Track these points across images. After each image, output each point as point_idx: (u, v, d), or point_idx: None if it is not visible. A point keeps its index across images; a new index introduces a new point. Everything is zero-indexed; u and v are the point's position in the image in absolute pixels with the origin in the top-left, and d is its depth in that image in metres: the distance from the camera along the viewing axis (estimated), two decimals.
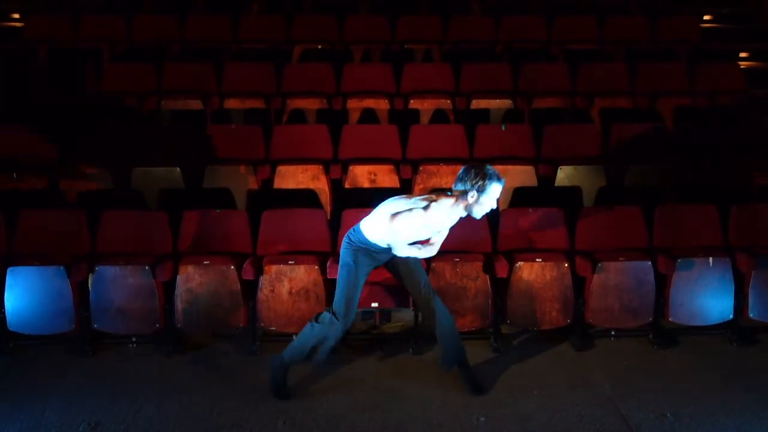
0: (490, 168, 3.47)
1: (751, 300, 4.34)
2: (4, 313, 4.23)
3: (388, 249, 3.66)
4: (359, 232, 3.68)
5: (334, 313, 3.68)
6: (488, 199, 3.47)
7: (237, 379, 3.99)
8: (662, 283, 4.36)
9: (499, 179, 3.47)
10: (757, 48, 7.94)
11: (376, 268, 3.79)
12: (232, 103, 6.32)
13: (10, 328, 4.25)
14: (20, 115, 6.08)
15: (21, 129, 5.74)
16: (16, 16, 8.13)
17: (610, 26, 7.58)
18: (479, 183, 3.42)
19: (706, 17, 8.46)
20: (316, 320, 3.74)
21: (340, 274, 3.71)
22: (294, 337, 3.88)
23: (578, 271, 4.36)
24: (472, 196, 3.45)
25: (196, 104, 6.24)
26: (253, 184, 5.27)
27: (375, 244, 3.64)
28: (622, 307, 4.34)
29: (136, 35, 7.39)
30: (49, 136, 5.73)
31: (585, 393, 3.83)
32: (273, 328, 4.33)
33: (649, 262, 4.34)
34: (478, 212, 3.52)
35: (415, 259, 3.78)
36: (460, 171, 3.50)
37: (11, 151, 5.49)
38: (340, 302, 3.67)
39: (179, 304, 4.30)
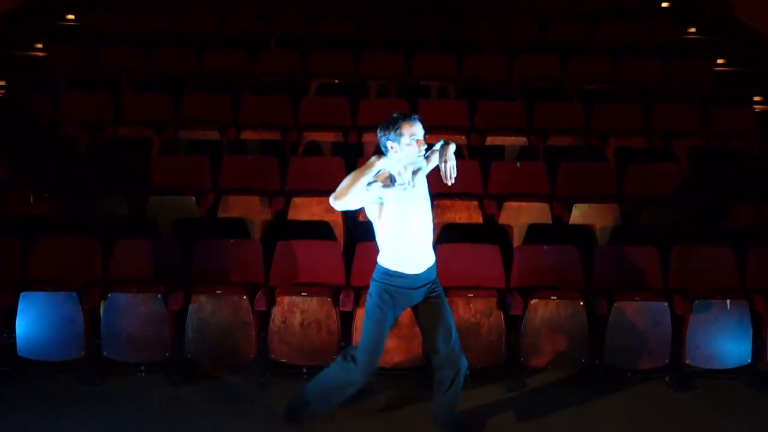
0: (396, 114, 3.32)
1: None
2: (14, 338, 4.21)
3: (414, 278, 3.38)
4: (377, 265, 3.48)
5: (353, 360, 3.46)
6: (407, 140, 3.24)
7: (245, 412, 3.94)
8: (678, 324, 4.30)
9: (405, 117, 3.27)
10: None
11: (404, 309, 3.52)
12: (248, 135, 6.36)
13: (20, 354, 4.22)
14: (35, 145, 6.15)
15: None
16: (39, 45, 8.30)
17: (623, 68, 7.64)
18: (390, 132, 3.26)
19: (719, 60, 8.52)
20: (340, 362, 3.54)
21: (365, 318, 3.47)
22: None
23: (594, 310, 4.31)
24: (392, 147, 3.28)
25: (212, 135, 6.28)
26: (267, 214, 5.28)
27: (393, 271, 3.36)
28: (638, 347, 4.28)
29: (154, 67, 7.51)
30: (66, 162, 5.79)
31: None
32: (284, 361, 4.29)
33: (666, 303, 4.29)
34: (410, 155, 3.27)
35: (446, 305, 3.51)
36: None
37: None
38: (363, 352, 3.44)
39: (190, 334, 4.27)
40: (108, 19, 8.36)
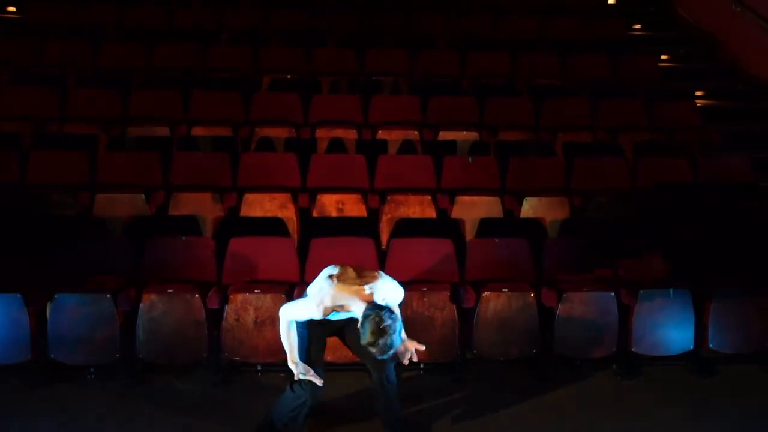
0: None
1: (710, 331, 4.44)
2: None
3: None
4: None
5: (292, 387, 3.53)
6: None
7: (199, 412, 3.90)
8: (625, 313, 4.43)
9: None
10: (711, 87, 8.26)
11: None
12: (199, 131, 6.27)
13: None
14: None
15: None
16: None
17: (571, 64, 7.81)
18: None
19: (663, 57, 8.78)
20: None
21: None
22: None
23: (544, 301, 4.41)
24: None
25: (162, 131, 6.18)
26: (219, 211, 5.22)
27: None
28: (586, 337, 4.39)
29: (101, 61, 7.33)
30: (8, 159, 5.62)
31: (554, 424, 3.84)
32: (237, 359, 4.26)
33: (612, 293, 4.41)
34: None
35: None
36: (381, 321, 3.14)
37: None
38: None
39: (141, 334, 4.20)
40: (52, 12, 8.10)
